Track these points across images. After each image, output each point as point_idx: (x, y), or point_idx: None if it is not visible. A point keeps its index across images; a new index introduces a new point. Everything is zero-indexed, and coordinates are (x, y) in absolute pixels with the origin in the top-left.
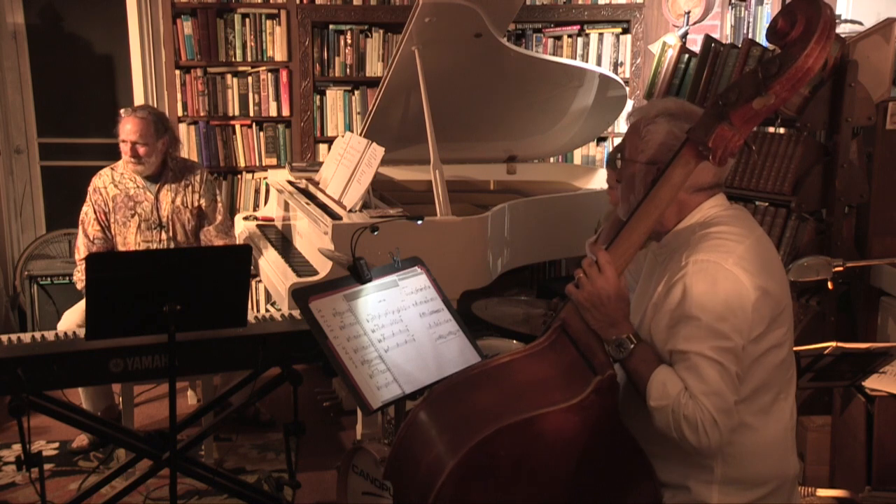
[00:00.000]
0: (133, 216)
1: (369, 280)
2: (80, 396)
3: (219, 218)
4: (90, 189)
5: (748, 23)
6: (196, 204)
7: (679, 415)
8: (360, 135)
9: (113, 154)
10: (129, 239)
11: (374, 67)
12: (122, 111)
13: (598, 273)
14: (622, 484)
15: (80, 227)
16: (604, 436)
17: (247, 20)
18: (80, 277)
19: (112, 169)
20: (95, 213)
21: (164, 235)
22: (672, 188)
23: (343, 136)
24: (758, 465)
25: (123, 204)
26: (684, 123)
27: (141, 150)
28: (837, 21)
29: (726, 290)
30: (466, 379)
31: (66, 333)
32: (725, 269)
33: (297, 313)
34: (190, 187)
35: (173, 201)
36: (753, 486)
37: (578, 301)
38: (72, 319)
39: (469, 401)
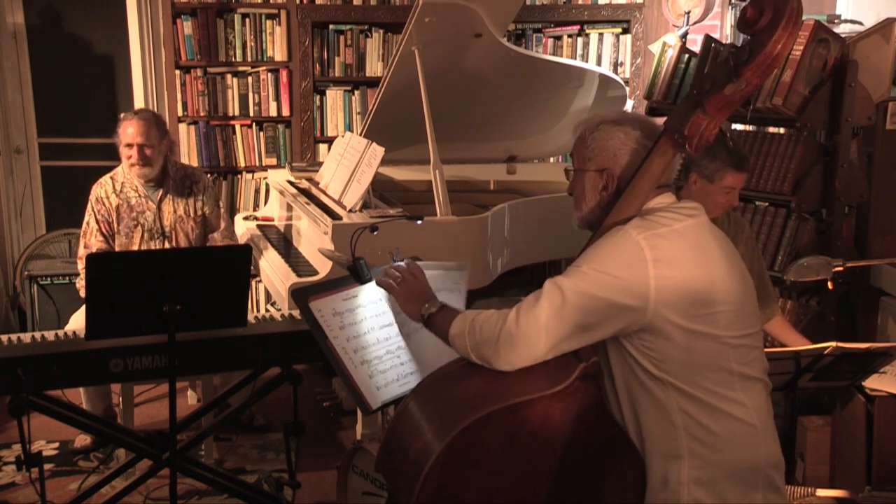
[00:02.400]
0: (136, 226)
1: (369, 280)
2: (80, 397)
3: (223, 224)
4: (92, 199)
5: None
6: (200, 212)
7: (477, 324)
8: (360, 135)
9: (113, 154)
10: (133, 249)
11: (374, 67)
12: (121, 115)
13: (415, 278)
14: (609, 472)
15: (82, 239)
16: (589, 423)
17: (247, 20)
18: (83, 285)
19: (112, 178)
20: (98, 223)
21: (167, 245)
22: (651, 178)
23: (343, 136)
24: (726, 452)
25: (126, 214)
26: (629, 128)
27: (148, 151)
28: (837, 21)
29: (619, 252)
30: (455, 369)
31: (66, 333)
32: (632, 238)
33: (297, 313)
34: (192, 196)
35: (175, 210)
36: (724, 474)
37: (398, 295)
38: (80, 322)
39: (456, 389)
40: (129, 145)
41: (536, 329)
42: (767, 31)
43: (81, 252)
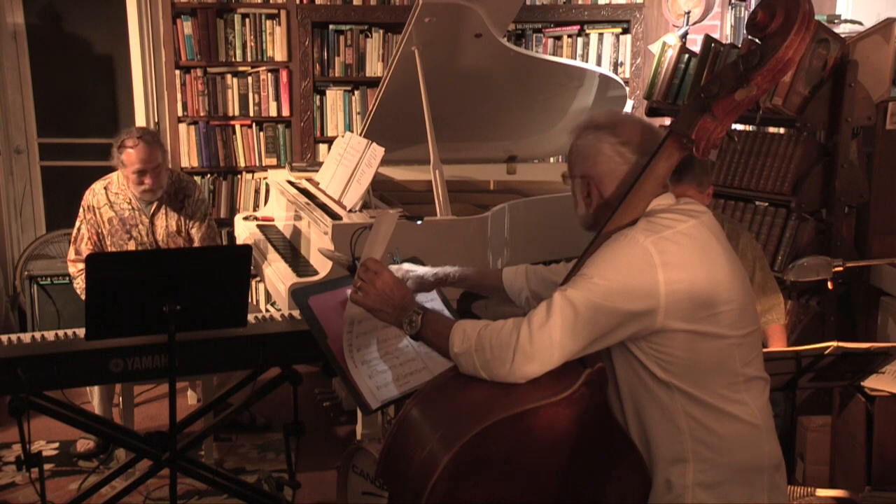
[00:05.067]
0: (129, 240)
1: None
2: (89, 398)
3: (203, 229)
4: (83, 206)
5: None
6: (191, 225)
7: (486, 341)
8: (360, 135)
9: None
10: None
11: (374, 67)
12: (125, 140)
13: (375, 275)
14: (612, 476)
15: (73, 245)
16: (594, 429)
17: (247, 20)
18: (83, 287)
19: (106, 188)
20: (89, 231)
21: None
22: (656, 180)
23: (343, 136)
24: (731, 454)
25: (119, 227)
26: (604, 134)
27: (161, 172)
28: (837, 21)
29: (628, 258)
30: (457, 375)
31: (66, 333)
32: (640, 243)
33: (297, 313)
34: (183, 209)
35: (168, 226)
36: (729, 476)
37: (369, 306)
38: None
39: (460, 397)
40: (142, 172)
41: (551, 345)
42: (779, 36)
43: (73, 257)
